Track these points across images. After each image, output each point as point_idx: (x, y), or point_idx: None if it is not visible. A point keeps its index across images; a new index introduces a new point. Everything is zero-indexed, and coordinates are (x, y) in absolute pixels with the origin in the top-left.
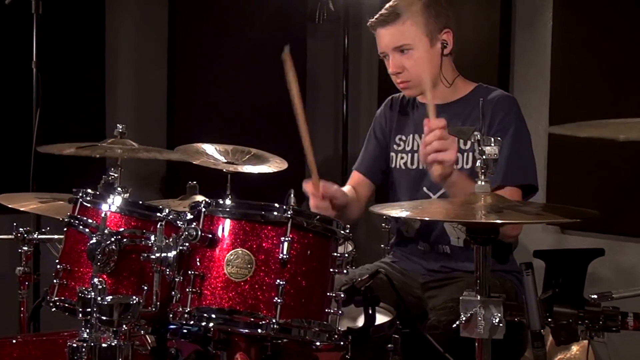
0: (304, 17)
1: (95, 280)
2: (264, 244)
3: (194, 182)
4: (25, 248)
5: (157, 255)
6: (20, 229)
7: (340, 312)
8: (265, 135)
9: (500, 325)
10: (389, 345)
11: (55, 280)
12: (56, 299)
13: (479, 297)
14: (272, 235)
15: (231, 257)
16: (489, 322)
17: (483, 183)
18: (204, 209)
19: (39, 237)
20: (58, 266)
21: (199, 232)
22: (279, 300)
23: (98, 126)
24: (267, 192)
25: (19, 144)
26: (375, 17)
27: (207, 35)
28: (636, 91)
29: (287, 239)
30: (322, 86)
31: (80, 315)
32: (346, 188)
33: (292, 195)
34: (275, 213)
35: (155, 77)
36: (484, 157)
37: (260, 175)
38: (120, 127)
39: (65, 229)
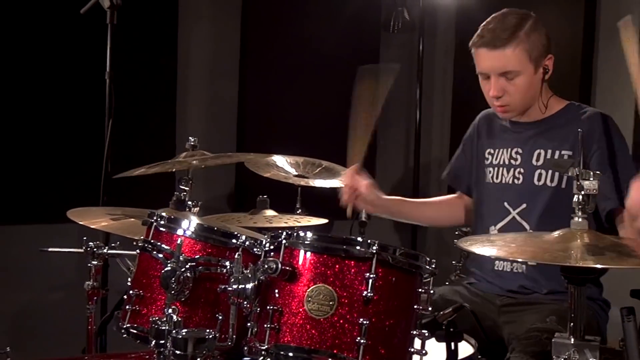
0: (378, 26)
1: (170, 310)
2: (346, 280)
3: (265, 196)
4: (95, 262)
5: (235, 287)
6: (90, 244)
7: (424, 352)
8: (336, 147)
9: None
10: None
11: (127, 306)
12: (128, 325)
13: (572, 339)
14: (355, 272)
15: (312, 293)
16: None
17: (580, 220)
18: (284, 241)
19: (109, 252)
20: (130, 292)
21: (279, 265)
22: (362, 341)
23: (169, 137)
24: (337, 206)
25: (90, 156)
26: (480, 35)
27: (279, 45)
28: None
29: (372, 275)
30: (395, 96)
31: (154, 347)
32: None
33: (364, 211)
34: (360, 248)
35: (227, 87)
36: (582, 192)
37: (331, 189)
38: (192, 139)
39: (137, 253)
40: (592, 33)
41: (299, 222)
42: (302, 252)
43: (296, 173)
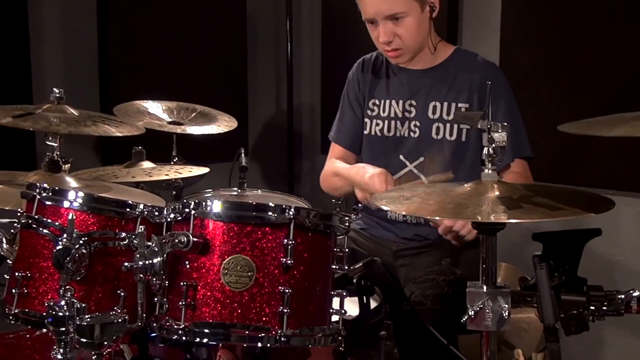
0: None
1: (68, 293)
2: (264, 249)
3: (140, 147)
4: None
5: (142, 263)
6: None
7: (343, 311)
8: (209, 91)
9: (508, 317)
10: (382, 333)
11: (13, 290)
12: (17, 311)
13: (485, 288)
14: (272, 239)
15: (229, 265)
16: (497, 314)
17: (491, 171)
18: (193, 211)
19: None
20: (16, 274)
21: (191, 239)
22: (285, 310)
23: (24, 87)
24: (214, 152)
25: None
26: None
27: None
28: (587, 44)
29: (290, 242)
30: (262, 31)
31: (55, 336)
32: (340, 164)
33: (242, 155)
34: (276, 214)
35: (85, 29)
36: (493, 145)
37: (206, 135)
38: (57, 91)
39: (17, 230)
40: None
41: (180, 172)
42: (213, 222)
43: (170, 119)
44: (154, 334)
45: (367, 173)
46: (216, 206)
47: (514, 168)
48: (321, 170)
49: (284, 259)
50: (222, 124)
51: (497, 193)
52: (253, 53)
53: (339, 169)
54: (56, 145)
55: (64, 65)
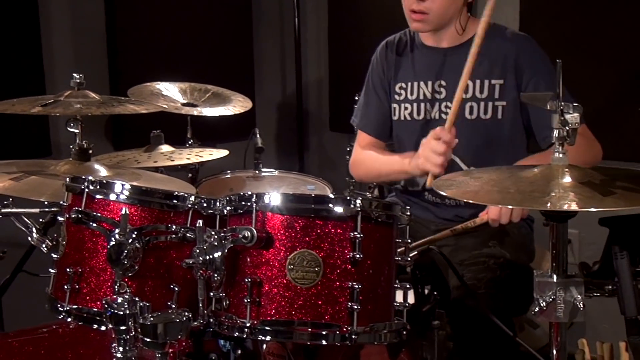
0: None
1: (123, 289)
2: (331, 243)
3: (158, 131)
4: None
5: (202, 258)
6: None
7: (407, 304)
8: (216, 70)
9: (583, 308)
10: (435, 322)
11: (65, 286)
12: (70, 307)
13: (555, 277)
14: (340, 232)
15: (295, 260)
16: (570, 305)
17: (561, 155)
18: (255, 204)
19: (4, 210)
20: (67, 269)
21: (255, 233)
22: (354, 306)
23: (37, 74)
24: (226, 132)
25: None
26: None
27: None
28: (610, 13)
29: (358, 235)
30: (268, 7)
31: (115, 334)
32: (370, 153)
33: (257, 135)
34: (342, 206)
35: (93, 13)
36: (567, 127)
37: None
38: (78, 77)
39: (50, 221)
40: None
41: (201, 156)
42: (277, 215)
43: (184, 101)
44: (209, 329)
45: (419, 151)
46: (278, 199)
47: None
48: (330, 147)
49: (352, 253)
50: (237, 105)
51: (568, 178)
52: (258, 30)
53: (378, 156)
54: (78, 131)
55: (74, 51)
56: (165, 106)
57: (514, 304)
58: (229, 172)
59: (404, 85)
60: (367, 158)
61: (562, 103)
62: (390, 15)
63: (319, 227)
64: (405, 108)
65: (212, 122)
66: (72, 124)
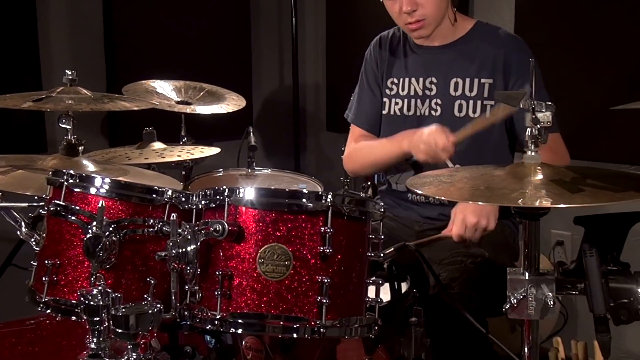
0: None
1: (100, 282)
2: (301, 237)
3: (151, 128)
4: None
5: (175, 251)
6: None
7: (379, 299)
8: (216, 69)
9: (554, 305)
10: (412, 319)
11: (43, 278)
12: (48, 299)
13: (527, 275)
14: (310, 226)
15: (265, 254)
16: (541, 302)
17: (534, 153)
18: (227, 198)
19: None
20: (46, 261)
21: (226, 227)
22: (323, 300)
23: (33, 70)
24: (221, 130)
25: None
26: None
27: None
28: (605, 13)
29: (328, 229)
30: (266, 6)
31: (89, 325)
32: (363, 143)
33: (251, 134)
34: (313, 201)
35: (90, 10)
36: (538, 125)
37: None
38: (70, 73)
39: (39, 215)
40: None
41: (192, 153)
42: (249, 209)
43: (178, 99)
44: (184, 322)
45: (423, 133)
46: (251, 193)
47: (550, 143)
48: (326, 147)
49: (322, 248)
50: (230, 103)
51: (540, 176)
52: (257, 30)
53: (372, 143)
54: (70, 127)
55: (71, 48)
56: (157, 103)
57: (488, 304)
58: (221, 170)
59: (395, 80)
60: (361, 149)
61: (534, 102)
62: (388, 15)
63: (290, 222)
64: (396, 103)
65: (208, 121)
66: (63, 120)
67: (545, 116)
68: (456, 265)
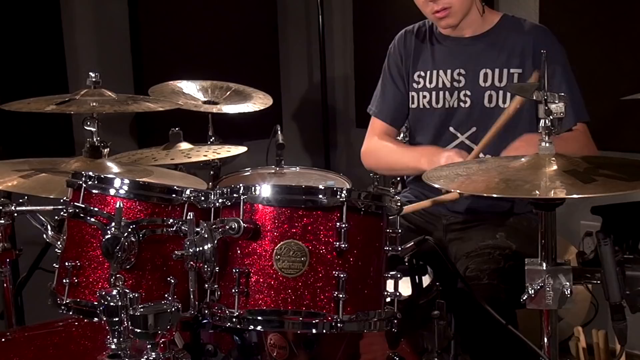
0: None
1: (119, 283)
2: (317, 233)
3: (177, 129)
4: (2, 221)
5: (192, 250)
6: None
7: (398, 293)
8: (243, 68)
9: (570, 295)
10: (435, 312)
11: (64, 280)
12: (69, 300)
13: (544, 265)
14: (325, 222)
15: (281, 250)
16: (558, 292)
17: (548, 145)
18: (243, 196)
19: (18, 209)
20: (66, 263)
21: (241, 224)
22: (340, 295)
23: (59, 73)
24: (250, 129)
25: None
26: None
27: None
28: (631, 5)
29: (343, 225)
30: (292, 2)
31: (108, 325)
32: (384, 143)
33: (279, 132)
34: (327, 197)
35: (116, 12)
36: (550, 116)
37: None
38: (94, 75)
39: (63, 218)
40: None
41: (218, 153)
42: (264, 206)
43: (205, 99)
44: (205, 321)
45: (442, 157)
46: (266, 190)
47: (576, 133)
48: (357, 144)
49: (338, 243)
50: (257, 102)
51: (555, 167)
52: (283, 27)
53: (392, 147)
54: (95, 130)
55: (97, 50)
56: (182, 104)
57: (516, 296)
58: (249, 169)
59: (422, 73)
60: (381, 149)
61: (547, 93)
62: (416, 8)
63: (305, 218)
64: (424, 96)
65: (236, 120)
66: (88, 122)
67: (558, 107)
68: (484, 257)
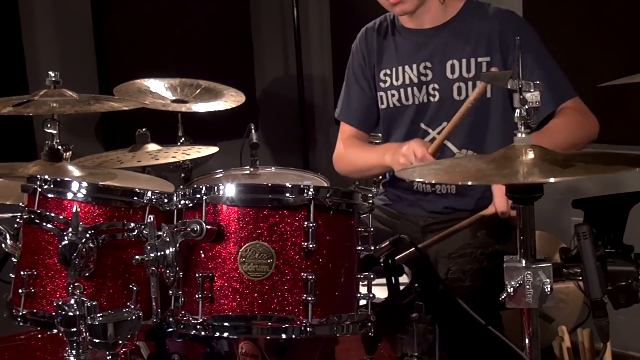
0: None
1: (77, 291)
2: (283, 233)
3: (144, 130)
4: None
5: (153, 255)
6: None
7: (371, 295)
8: (211, 64)
9: (551, 292)
10: (413, 315)
11: (20, 290)
12: (26, 312)
13: (524, 262)
14: (291, 222)
15: (246, 253)
16: (538, 290)
17: (524, 135)
18: (205, 197)
19: None
20: (21, 272)
21: (204, 227)
22: (309, 298)
23: (18, 73)
24: (222, 129)
25: None
26: None
27: None
28: None
29: (311, 224)
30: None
31: (66, 337)
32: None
33: (252, 131)
34: (294, 195)
35: (78, 7)
36: (526, 106)
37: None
38: (53, 74)
39: (20, 226)
40: None
41: (188, 154)
42: (228, 207)
43: (174, 98)
44: (170, 329)
45: (402, 146)
46: (229, 190)
47: (571, 108)
48: (336, 142)
49: (305, 243)
50: (229, 99)
51: (532, 156)
52: (257, 20)
53: (357, 150)
54: (55, 132)
55: (59, 48)
56: (148, 103)
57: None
58: (221, 170)
59: (388, 71)
60: (347, 154)
61: (522, 81)
62: None
63: (271, 218)
64: (393, 95)
65: (209, 120)
66: (48, 124)
67: (533, 96)
68: (466, 257)
